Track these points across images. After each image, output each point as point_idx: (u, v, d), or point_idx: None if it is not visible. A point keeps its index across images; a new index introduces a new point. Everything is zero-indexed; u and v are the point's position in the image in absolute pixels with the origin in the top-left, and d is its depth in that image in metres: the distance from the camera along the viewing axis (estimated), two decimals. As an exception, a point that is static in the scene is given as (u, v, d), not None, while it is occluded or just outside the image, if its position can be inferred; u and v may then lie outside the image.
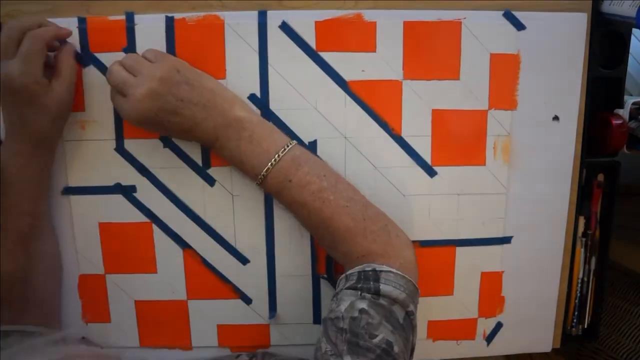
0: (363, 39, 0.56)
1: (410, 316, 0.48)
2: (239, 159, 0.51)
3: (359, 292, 0.47)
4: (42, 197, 0.56)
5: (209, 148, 0.53)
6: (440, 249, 0.61)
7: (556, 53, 0.58)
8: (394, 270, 0.48)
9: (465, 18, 0.56)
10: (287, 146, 0.51)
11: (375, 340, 0.44)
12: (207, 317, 0.61)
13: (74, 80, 0.52)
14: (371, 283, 0.47)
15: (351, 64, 0.56)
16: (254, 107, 0.56)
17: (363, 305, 0.46)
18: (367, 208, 0.52)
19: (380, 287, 0.47)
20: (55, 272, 0.59)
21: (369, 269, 0.48)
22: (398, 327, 0.46)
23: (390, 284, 0.47)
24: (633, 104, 0.60)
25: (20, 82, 0.48)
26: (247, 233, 0.59)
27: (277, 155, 0.50)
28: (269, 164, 0.50)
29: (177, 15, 0.55)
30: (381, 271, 0.48)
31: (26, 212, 0.53)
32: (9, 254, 0.52)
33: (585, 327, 0.66)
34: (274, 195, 0.53)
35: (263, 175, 0.51)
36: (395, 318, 0.46)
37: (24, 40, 0.48)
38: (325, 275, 0.60)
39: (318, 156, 0.57)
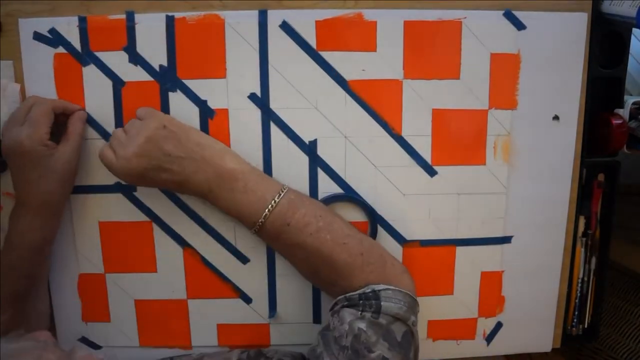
0: (363, 38, 0.56)
1: (412, 326, 0.50)
2: (235, 209, 0.52)
3: (360, 312, 0.49)
4: (43, 261, 0.56)
5: (203, 199, 0.54)
6: (440, 249, 0.61)
7: (556, 53, 0.58)
8: (391, 287, 0.50)
9: (465, 18, 0.56)
10: (282, 191, 0.52)
11: (372, 356, 0.47)
12: (207, 316, 0.61)
13: (80, 145, 0.55)
14: (372, 302, 0.49)
15: (351, 64, 0.56)
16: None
17: (362, 325, 0.48)
18: (363, 241, 0.53)
19: (382, 304, 0.49)
20: (46, 328, 0.59)
21: (369, 290, 0.50)
22: (395, 344, 0.48)
23: (391, 300, 0.49)
24: (633, 104, 0.60)
25: (27, 145, 0.50)
26: (247, 232, 0.58)
27: (273, 201, 0.51)
28: (266, 210, 0.51)
29: (178, 15, 0.55)
30: (380, 290, 0.50)
31: (24, 275, 0.54)
32: (2, 313, 0.52)
33: (585, 327, 0.66)
34: (272, 240, 0.54)
35: (261, 222, 0.51)
36: (392, 336, 0.48)
37: (33, 107, 0.52)
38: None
39: (311, 197, 0.57)
